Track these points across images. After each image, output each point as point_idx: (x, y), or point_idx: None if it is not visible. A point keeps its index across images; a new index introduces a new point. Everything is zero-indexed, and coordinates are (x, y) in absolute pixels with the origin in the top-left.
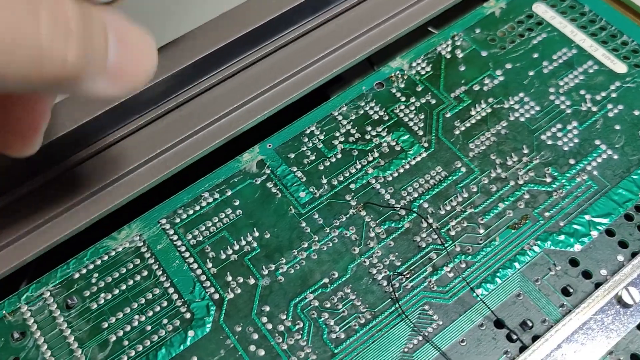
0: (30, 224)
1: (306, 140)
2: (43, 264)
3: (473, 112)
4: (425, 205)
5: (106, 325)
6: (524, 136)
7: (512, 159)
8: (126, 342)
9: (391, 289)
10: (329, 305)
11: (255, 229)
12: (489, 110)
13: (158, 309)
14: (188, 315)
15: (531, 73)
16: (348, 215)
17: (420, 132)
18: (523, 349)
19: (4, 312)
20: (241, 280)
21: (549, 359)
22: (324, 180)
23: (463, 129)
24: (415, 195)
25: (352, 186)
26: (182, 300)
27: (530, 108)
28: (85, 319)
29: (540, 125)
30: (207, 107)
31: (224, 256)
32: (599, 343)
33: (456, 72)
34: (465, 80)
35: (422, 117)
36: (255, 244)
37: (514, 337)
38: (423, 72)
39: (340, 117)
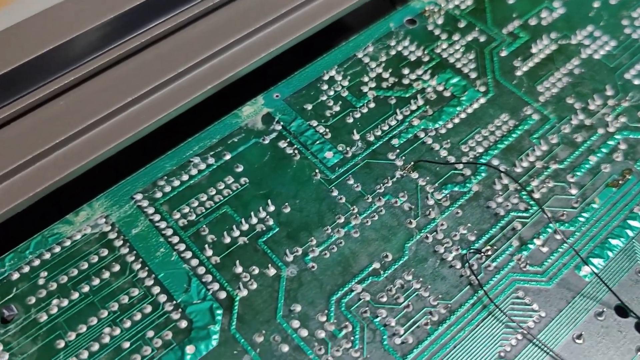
0: None
1: (326, 87)
2: None
3: (535, 50)
4: (495, 161)
5: (62, 345)
6: (604, 75)
7: (595, 103)
8: None
9: (469, 272)
10: (385, 299)
11: (269, 201)
12: (555, 47)
13: (139, 317)
14: (184, 324)
15: (596, 4)
16: (395, 179)
17: (473, 75)
18: None
19: None
20: (256, 271)
21: None
22: (356, 136)
23: (526, 69)
24: (480, 150)
25: (395, 142)
26: (174, 302)
27: (605, 44)
28: (31, 336)
29: (620, 63)
30: (193, 43)
31: (228, 240)
32: None
33: (504, 5)
34: (517, 14)
35: (472, 56)
36: (271, 222)
37: None
38: (463, 6)
39: (367, 59)
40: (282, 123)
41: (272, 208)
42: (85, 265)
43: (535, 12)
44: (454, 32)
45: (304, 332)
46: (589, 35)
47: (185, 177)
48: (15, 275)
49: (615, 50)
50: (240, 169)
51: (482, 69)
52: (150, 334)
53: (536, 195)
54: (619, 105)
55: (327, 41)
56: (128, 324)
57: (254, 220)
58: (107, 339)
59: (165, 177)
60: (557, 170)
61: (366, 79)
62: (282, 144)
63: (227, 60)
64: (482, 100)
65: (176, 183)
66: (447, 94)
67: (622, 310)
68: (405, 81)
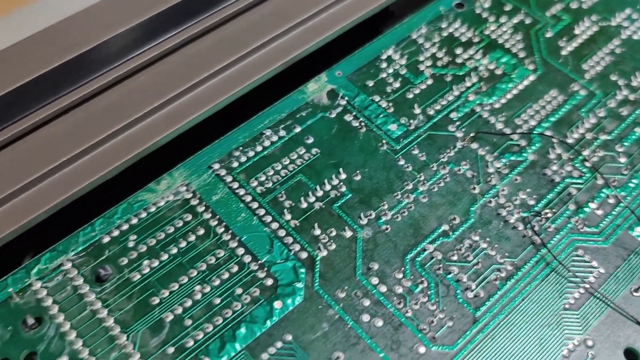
0: (34, 172)
1: (385, 65)
2: (53, 228)
3: (577, 31)
4: (548, 133)
5: (157, 301)
6: None
7: (637, 80)
8: (189, 322)
9: (531, 233)
10: (455, 257)
11: (340, 170)
12: (596, 29)
13: (227, 275)
14: (270, 282)
15: None
16: (456, 149)
17: (522, 54)
18: None
19: (10, 290)
20: (334, 233)
21: None
22: (417, 110)
23: (570, 49)
24: (533, 122)
25: (454, 115)
26: (258, 262)
27: None
28: (126, 294)
29: None
30: (259, 25)
31: (305, 205)
32: None
33: None
34: None
35: (520, 37)
36: (344, 188)
37: None
38: None
39: (421, 40)
40: (346, 98)
41: (343, 176)
42: (172, 229)
43: None
44: (500, 14)
45: (383, 288)
46: (627, 17)
47: (259, 148)
48: (106, 239)
49: None
50: (310, 140)
51: (529, 48)
52: (239, 291)
53: (588, 164)
54: None
55: (377, 25)
56: (217, 282)
57: (328, 187)
58: (198, 296)
59: (240, 148)
60: (606, 140)
61: (422, 58)
62: (348, 117)
63: (291, 40)
64: (532, 78)
65: (251, 153)
66: (498, 71)
67: None
68: (459, 60)
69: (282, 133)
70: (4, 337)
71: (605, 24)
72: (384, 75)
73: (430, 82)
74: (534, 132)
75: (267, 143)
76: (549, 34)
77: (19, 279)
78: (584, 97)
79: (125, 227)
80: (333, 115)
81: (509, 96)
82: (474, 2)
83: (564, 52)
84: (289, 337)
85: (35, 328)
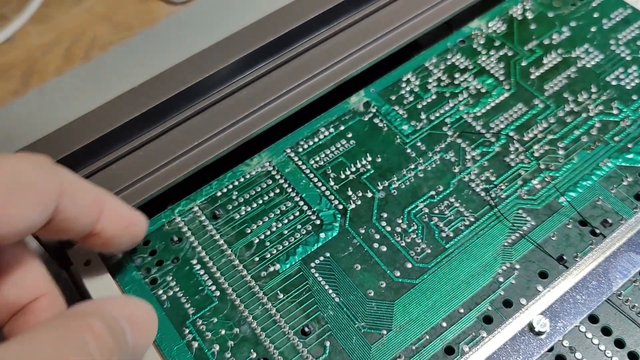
0: (177, 151)
1: (404, 85)
2: (187, 187)
3: (545, 61)
4: (511, 133)
5: (249, 231)
6: (592, 78)
7: (583, 97)
8: (268, 243)
9: (489, 198)
10: (437, 211)
11: (368, 154)
12: (559, 60)
13: (292, 217)
14: (318, 222)
15: (593, 29)
16: (446, 143)
17: (502, 78)
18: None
19: (163, 221)
20: (360, 194)
21: (625, 247)
22: (423, 116)
23: (538, 74)
24: (502, 126)
25: (447, 120)
26: (312, 210)
27: (595, 57)
28: (231, 226)
29: (604, 70)
30: (320, 57)
31: (343, 176)
32: None
33: (528, 30)
34: (536, 36)
35: (502, 65)
36: (369, 166)
37: (597, 231)
38: (499, 31)
39: (431, 67)
40: (376, 107)
41: (370, 158)
42: (259, 189)
43: (549, 34)
44: (491, 48)
45: (389, 228)
46: (585, 51)
47: (316, 140)
48: (219, 193)
49: (602, 61)
50: (350, 135)
51: (508, 74)
52: (299, 226)
53: (536, 155)
54: (599, 98)
55: (405, 55)
56: (286, 221)
57: (359, 165)
58: (274, 228)
59: (304, 139)
60: (552, 139)
61: (430, 80)
62: (376, 120)
63: (341, 68)
64: (507, 95)
65: (311, 143)
66: (483, 90)
67: (583, 223)
68: (456, 82)
69: (332, 130)
70: (160, 247)
71: (567, 56)
72: (403, 92)
73: (434, 97)
74: (502, 132)
75: (321, 136)
76: (524, 63)
77: (167, 215)
78: (541, 109)
79: (230, 186)
80: (366, 119)
81: (488, 108)
82: (473, 39)
83: (532, 77)
84: (328, 254)
85: (177, 243)
